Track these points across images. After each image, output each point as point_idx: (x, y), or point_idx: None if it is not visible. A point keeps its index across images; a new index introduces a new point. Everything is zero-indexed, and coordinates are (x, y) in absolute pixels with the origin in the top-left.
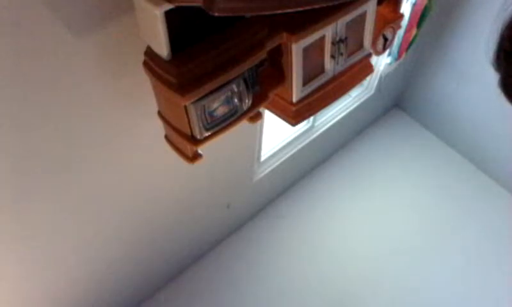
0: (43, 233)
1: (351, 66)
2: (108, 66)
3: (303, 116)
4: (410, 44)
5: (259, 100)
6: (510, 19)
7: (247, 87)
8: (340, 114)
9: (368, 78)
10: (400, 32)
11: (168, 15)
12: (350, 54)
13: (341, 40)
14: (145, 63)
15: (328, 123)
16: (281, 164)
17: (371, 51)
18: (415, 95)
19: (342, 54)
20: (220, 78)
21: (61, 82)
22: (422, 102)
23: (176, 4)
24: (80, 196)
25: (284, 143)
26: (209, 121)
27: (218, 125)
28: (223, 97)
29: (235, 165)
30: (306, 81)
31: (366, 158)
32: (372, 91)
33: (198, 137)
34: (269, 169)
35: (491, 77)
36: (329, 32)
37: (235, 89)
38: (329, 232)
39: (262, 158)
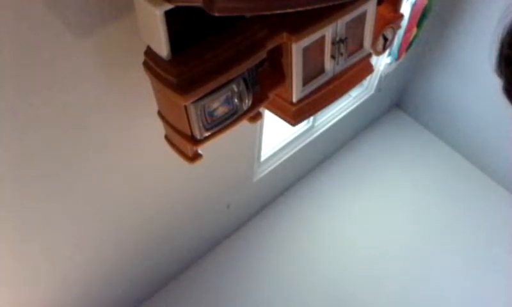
0: (42, 233)
1: (351, 66)
2: (108, 66)
3: (303, 116)
4: (410, 44)
5: (259, 100)
6: (510, 26)
7: (247, 87)
8: (340, 114)
9: (368, 78)
10: (400, 32)
11: (168, 15)
12: (350, 54)
13: (341, 40)
14: (145, 63)
15: (327, 123)
16: (281, 164)
17: (371, 51)
18: (415, 95)
19: (342, 54)
20: (220, 78)
21: (61, 82)
22: (422, 102)
23: (176, 4)
24: (80, 195)
25: (284, 143)
26: (209, 121)
27: (218, 125)
28: (223, 97)
29: (235, 165)
30: (306, 81)
31: (366, 158)
32: (372, 91)
33: (198, 137)
34: (269, 169)
35: (491, 77)
36: (329, 32)
37: (235, 89)
38: (329, 232)
39: (262, 158)
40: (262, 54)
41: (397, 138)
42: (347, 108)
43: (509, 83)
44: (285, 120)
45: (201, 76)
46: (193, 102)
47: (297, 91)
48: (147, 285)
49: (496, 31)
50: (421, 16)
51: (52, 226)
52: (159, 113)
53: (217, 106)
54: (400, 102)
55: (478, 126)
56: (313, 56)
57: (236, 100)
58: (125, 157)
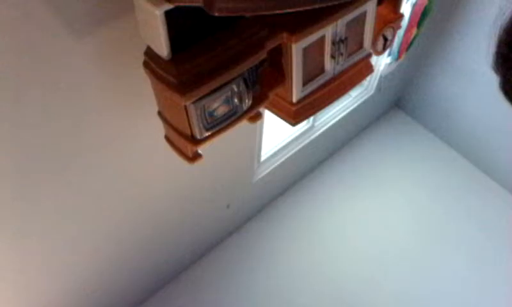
0: (42, 233)
1: (351, 66)
2: (108, 66)
3: (303, 116)
4: (410, 44)
5: (259, 100)
6: (507, 23)
7: (247, 87)
8: (340, 114)
9: (368, 78)
10: (400, 32)
11: (168, 15)
12: (350, 54)
13: (341, 40)
14: (145, 63)
15: (327, 123)
16: (281, 164)
17: (371, 51)
18: (415, 95)
19: (342, 54)
20: (220, 78)
21: (61, 82)
22: (422, 102)
23: (176, 4)
24: (80, 195)
25: (284, 143)
26: (209, 121)
27: (218, 125)
28: (223, 97)
29: (235, 166)
30: (306, 81)
31: (366, 158)
32: (372, 91)
33: (198, 137)
34: (269, 169)
35: (491, 77)
36: (329, 32)
37: (235, 89)
38: (329, 232)
39: (262, 158)
40: (262, 54)
41: (397, 138)
42: (347, 108)
43: (505, 81)
44: (285, 120)
45: (201, 76)
46: (193, 102)
47: (297, 91)
48: (147, 285)
49: (493, 28)
50: (421, 16)
51: (50, 226)
52: (159, 113)
53: (217, 106)
54: (400, 102)
55: (478, 126)
56: (313, 56)
57: (236, 100)
58: (124, 157)
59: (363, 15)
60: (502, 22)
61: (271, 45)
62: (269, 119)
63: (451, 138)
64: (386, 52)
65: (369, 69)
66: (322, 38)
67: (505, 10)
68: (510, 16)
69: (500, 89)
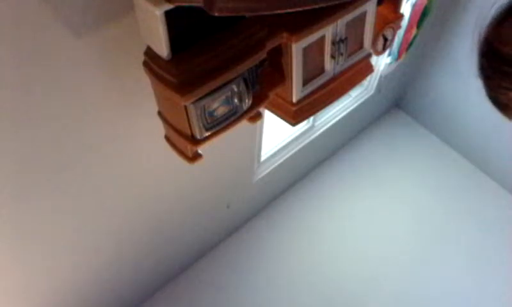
0: (42, 233)
1: (351, 66)
2: (108, 66)
3: (303, 116)
4: (410, 44)
5: (259, 100)
6: (482, 37)
7: (247, 87)
8: (340, 114)
9: (368, 78)
10: (400, 32)
11: (168, 15)
12: (350, 54)
13: (341, 40)
14: (145, 63)
15: (327, 123)
16: (281, 164)
17: (371, 51)
18: (415, 95)
19: (342, 54)
20: (220, 78)
21: (61, 82)
22: (422, 102)
23: (176, 4)
24: (80, 195)
25: (284, 143)
26: (209, 121)
27: (218, 125)
28: (223, 97)
29: (235, 166)
30: (306, 81)
31: (366, 158)
32: (372, 91)
33: (198, 137)
34: (269, 169)
35: None
36: (329, 32)
37: (235, 89)
38: (330, 232)
39: (262, 158)
40: (262, 54)
41: (397, 138)
42: (347, 108)
43: (488, 89)
44: (285, 120)
45: (201, 76)
46: (193, 102)
47: (297, 91)
48: (147, 285)
49: (472, 39)
50: (421, 16)
51: (50, 227)
52: (159, 113)
53: (217, 106)
54: (400, 102)
55: (478, 126)
56: (313, 56)
57: (236, 100)
58: (124, 157)
59: (363, 15)
60: (479, 34)
61: (271, 45)
62: (269, 119)
63: (451, 138)
64: (386, 52)
65: (369, 69)
66: (322, 38)
67: (480, 22)
68: (484, 29)
69: (486, 96)
